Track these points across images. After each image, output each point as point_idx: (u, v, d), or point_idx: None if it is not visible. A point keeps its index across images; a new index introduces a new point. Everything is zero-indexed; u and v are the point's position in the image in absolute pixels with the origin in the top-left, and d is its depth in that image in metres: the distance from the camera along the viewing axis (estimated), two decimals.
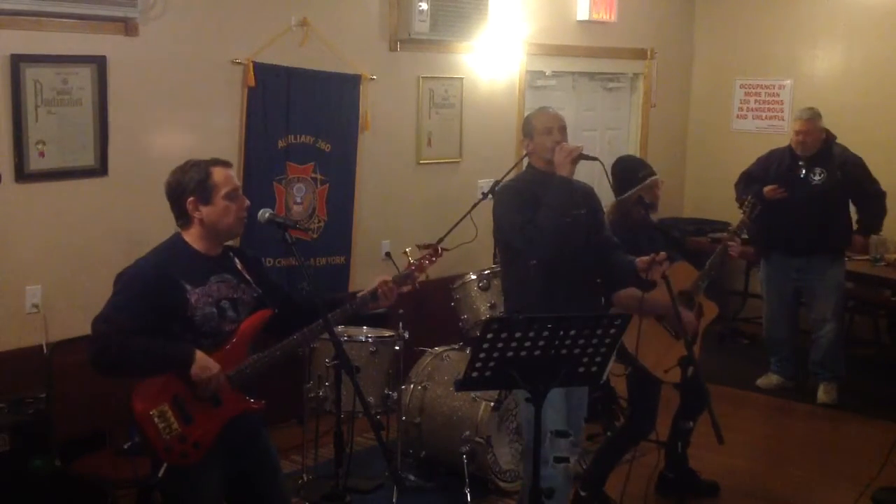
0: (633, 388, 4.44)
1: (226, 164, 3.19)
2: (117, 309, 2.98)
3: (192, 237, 3.14)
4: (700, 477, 4.81)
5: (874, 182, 6.12)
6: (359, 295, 3.36)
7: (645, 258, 3.74)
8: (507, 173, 5.82)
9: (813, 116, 6.02)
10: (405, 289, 3.41)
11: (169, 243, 3.16)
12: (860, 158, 6.10)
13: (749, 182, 6.20)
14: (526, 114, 6.66)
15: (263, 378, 3.20)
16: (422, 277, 3.48)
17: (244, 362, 3.15)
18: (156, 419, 2.99)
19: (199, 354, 3.01)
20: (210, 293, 3.10)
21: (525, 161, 4.07)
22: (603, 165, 3.93)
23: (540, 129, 3.87)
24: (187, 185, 3.10)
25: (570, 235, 3.72)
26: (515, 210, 3.76)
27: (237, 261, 3.26)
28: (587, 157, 3.80)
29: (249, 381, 3.16)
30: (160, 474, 3.02)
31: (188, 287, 3.05)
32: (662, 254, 3.72)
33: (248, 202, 3.20)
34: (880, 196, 6.14)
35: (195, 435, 3.05)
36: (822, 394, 6.20)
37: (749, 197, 4.80)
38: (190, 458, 3.05)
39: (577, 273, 3.83)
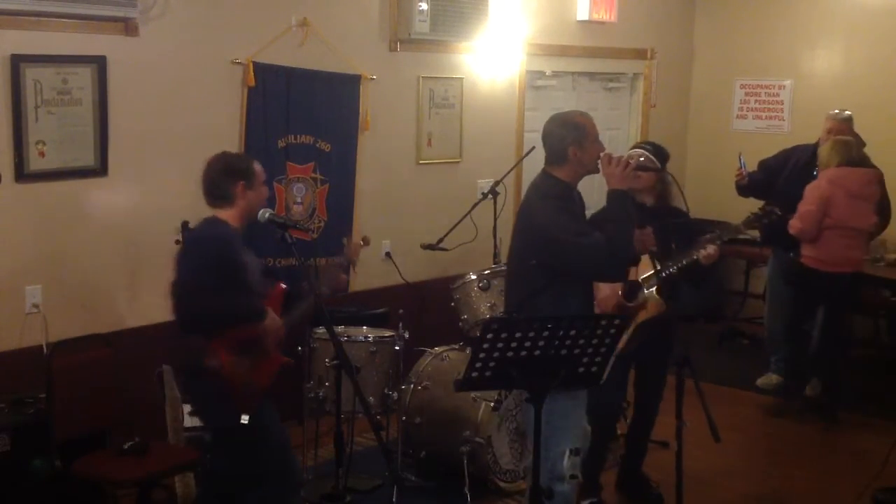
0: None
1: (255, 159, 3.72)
2: (195, 274, 3.40)
3: (229, 216, 3.54)
4: (652, 485, 4.67)
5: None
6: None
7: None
8: (507, 173, 5.84)
9: (846, 119, 6.05)
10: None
11: (214, 220, 3.55)
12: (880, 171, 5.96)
13: (762, 169, 6.24)
14: (526, 113, 6.74)
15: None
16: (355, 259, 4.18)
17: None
18: (233, 367, 3.41)
19: (269, 309, 3.49)
20: (252, 260, 3.59)
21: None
22: (663, 173, 3.83)
23: (593, 136, 3.52)
24: (238, 171, 3.54)
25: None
26: (578, 227, 3.48)
27: None
28: (647, 168, 3.65)
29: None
30: (244, 420, 3.44)
31: (242, 255, 3.51)
32: (648, 229, 3.73)
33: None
34: (884, 208, 6.02)
35: (259, 381, 3.51)
36: (809, 388, 6.19)
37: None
38: (258, 400, 3.50)
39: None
